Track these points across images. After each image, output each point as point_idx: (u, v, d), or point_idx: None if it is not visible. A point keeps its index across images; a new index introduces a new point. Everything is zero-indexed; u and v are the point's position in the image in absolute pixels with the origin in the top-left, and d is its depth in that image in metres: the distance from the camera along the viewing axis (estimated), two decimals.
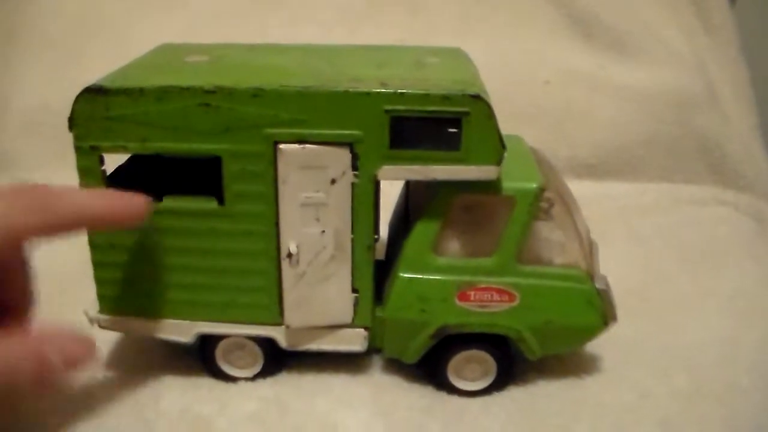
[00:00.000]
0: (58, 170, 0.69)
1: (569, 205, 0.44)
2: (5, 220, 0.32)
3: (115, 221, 0.37)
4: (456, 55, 0.48)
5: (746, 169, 0.76)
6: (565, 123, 0.77)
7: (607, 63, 0.79)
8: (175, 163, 0.44)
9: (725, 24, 0.83)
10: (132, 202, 0.37)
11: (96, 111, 0.40)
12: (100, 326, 0.44)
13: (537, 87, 0.77)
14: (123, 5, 0.84)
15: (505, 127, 0.75)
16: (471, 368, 0.44)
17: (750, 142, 0.80)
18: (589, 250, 0.45)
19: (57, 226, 0.35)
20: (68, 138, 0.40)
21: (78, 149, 0.41)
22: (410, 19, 0.81)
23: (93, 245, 0.43)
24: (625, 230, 0.67)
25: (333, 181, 0.40)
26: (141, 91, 0.39)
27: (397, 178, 0.41)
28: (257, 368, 0.45)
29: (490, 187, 0.41)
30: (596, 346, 0.47)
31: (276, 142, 0.39)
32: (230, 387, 0.45)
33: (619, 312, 0.45)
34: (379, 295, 0.44)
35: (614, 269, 0.51)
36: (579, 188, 0.71)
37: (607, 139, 0.77)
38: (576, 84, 0.78)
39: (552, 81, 0.77)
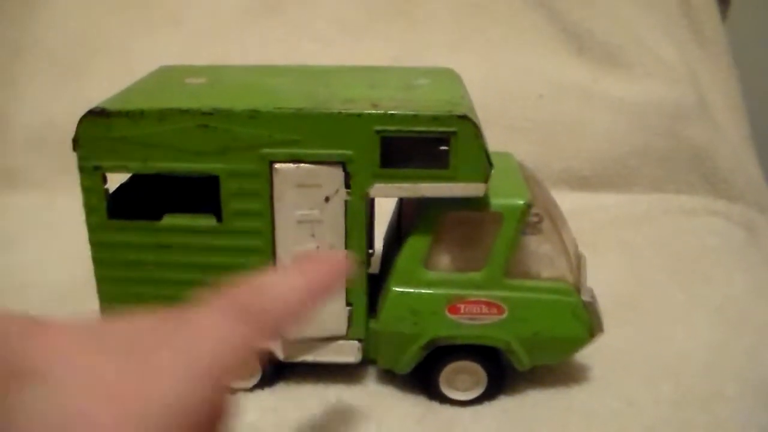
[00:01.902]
0: (62, 186, 0.71)
1: (556, 219, 0.45)
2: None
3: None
4: (446, 76, 0.49)
5: (737, 179, 0.78)
6: (559, 135, 0.78)
7: (600, 76, 0.80)
8: (176, 181, 0.46)
9: (717, 36, 0.84)
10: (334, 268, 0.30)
11: (99, 132, 0.41)
12: None
13: (531, 101, 0.79)
14: (124, 22, 0.86)
15: (500, 140, 0.76)
16: (462, 379, 0.46)
17: (741, 152, 0.81)
18: (577, 263, 0.46)
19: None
20: (72, 154, 0.42)
21: (82, 169, 0.42)
22: (407, 35, 0.83)
23: (97, 261, 0.44)
24: (617, 241, 0.68)
25: (327, 199, 0.42)
26: (142, 113, 0.41)
27: (388, 196, 0.42)
28: (256, 379, 0.47)
29: (479, 203, 0.42)
30: (585, 355, 0.48)
31: (271, 162, 0.41)
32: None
33: (609, 322, 0.46)
34: (373, 307, 0.45)
35: (605, 279, 0.52)
36: (572, 200, 0.73)
37: (600, 151, 0.78)
38: (569, 97, 0.79)
39: (546, 94, 0.79)
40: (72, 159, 0.42)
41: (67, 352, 0.22)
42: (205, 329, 0.24)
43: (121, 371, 0.21)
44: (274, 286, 0.27)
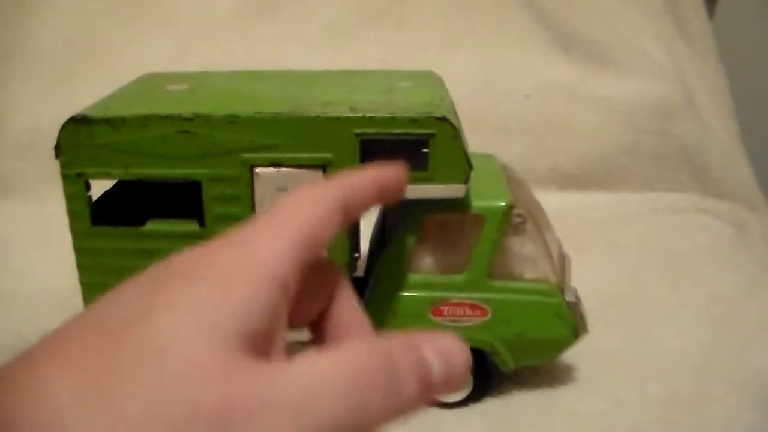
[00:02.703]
0: (52, 192, 0.71)
1: (539, 220, 0.45)
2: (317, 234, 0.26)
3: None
4: (428, 78, 0.49)
5: (726, 177, 0.78)
6: (547, 135, 0.78)
7: (588, 75, 0.80)
8: (159, 187, 0.46)
9: (704, 33, 0.84)
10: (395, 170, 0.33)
11: (81, 140, 0.41)
12: None
13: (519, 100, 0.79)
14: (114, 27, 0.86)
15: (488, 140, 0.76)
16: None
17: (730, 149, 0.81)
18: (560, 264, 0.46)
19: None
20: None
21: (64, 176, 0.42)
22: (395, 37, 0.83)
23: (81, 267, 0.44)
24: (606, 240, 0.68)
25: None
26: (123, 120, 0.41)
27: None
28: None
29: (461, 205, 0.42)
30: (572, 356, 0.48)
31: (252, 166, 0.41)
32: None
33: (597, 322, 0.46)
34: None
35: (594, 279, 0.52)
36: (561, 199, 0.73)
37: (588, 150, 0.78)
38: (557, 96, 0.79)
39: (533, 94, 0.79)
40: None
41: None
42: (283, 199, 0.25)
43: (222, 253, 0.23)
44: (347, 175, 0.29)
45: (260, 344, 0.21)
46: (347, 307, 0.28)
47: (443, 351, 0.23)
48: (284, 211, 0.25)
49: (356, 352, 0.21)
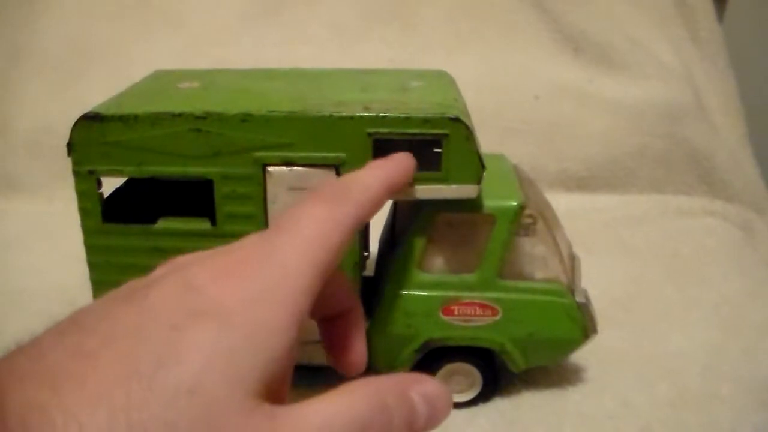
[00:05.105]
0: (60, 191, 0.72)
1: (550, 221, 0.45)
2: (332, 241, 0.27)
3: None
4: (439, 78, 0.49)
5: (735, 180, 0.78)
6: (556, 137, 0.78)
7: (597, 77, 0.80)
8: (170, 185, 0.46)
9: (713, 36, 0.85)
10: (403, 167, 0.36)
11: (93, 137, 0.41)
12: None
13: (527, 102, 0.79)
14: (122, 27, 0.86)
15: (496, 141, 0.77)
16: (457, 380, 0.46)
17: (738, 152, 0.81)
18: (570, 264, 0.46)
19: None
20: (69, 159, 0.42)
21: (76, 173, 0.42)
22: (403, 38, 0.83)
23: (92, 264, 0.44)
24: (614, 242, 0.69)
25: None
26: (135, 118, 0.41)
27: None
28: None
29: (472, 205, 0.42)
30: (581, 356, 0.48)
31: (264, 165, 0.41)
32: None
33: (605, 323, 0.46)
34: (368, 310, 0.45)
35: (602, 281, 0.52)
36: (569, 201, 0.73)
37: (597, 152, 0.78)
38: (566, 98, 0.79)
39: (542, 96, 0.79)
40: (70, 163, 0.42)
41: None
42: (304, 216, 0.27)
43: (239, 260, 0.25)
44: (357, 174, 0.31)
45: (276, 388, 0.23)
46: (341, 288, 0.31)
47: (429, 396, 0.25)
48: (306, 231, 0.26)
49: (356, 402, 0.23)
